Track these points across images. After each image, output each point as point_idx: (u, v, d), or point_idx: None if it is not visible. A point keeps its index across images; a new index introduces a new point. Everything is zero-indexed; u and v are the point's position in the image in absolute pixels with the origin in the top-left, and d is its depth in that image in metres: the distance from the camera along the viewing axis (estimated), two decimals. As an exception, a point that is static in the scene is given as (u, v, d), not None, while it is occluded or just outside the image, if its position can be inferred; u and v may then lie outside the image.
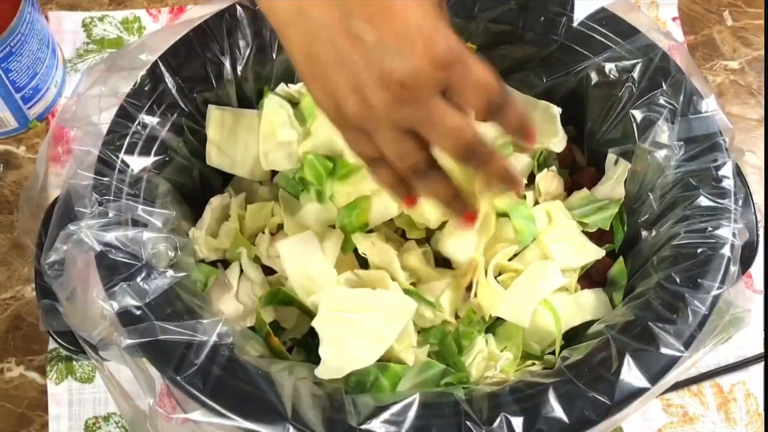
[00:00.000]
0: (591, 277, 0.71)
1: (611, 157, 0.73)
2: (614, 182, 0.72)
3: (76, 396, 0.76)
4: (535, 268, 0.68)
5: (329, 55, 0.53)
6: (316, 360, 0.63)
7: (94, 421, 0.75)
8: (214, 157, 0.71)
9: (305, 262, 0.66)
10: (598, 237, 0.71)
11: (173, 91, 0.68)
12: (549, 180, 0.74)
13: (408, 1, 0.51)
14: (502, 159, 0.57)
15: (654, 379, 0.58)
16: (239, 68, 0.71)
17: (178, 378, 0.57)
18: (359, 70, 0.52)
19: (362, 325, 0.63)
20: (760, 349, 0.79)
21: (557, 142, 0.74)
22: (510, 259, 0.70)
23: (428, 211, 0.67)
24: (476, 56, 0.54)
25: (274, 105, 0.71)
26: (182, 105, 0.68)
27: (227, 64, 0.70)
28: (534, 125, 0.58)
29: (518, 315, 0.66)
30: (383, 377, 0.63)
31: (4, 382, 0.76)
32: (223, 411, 0.56)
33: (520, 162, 0.73)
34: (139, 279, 0.60)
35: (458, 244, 0.68)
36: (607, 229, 0.71)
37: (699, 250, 0.63)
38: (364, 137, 0.56)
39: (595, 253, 0.70)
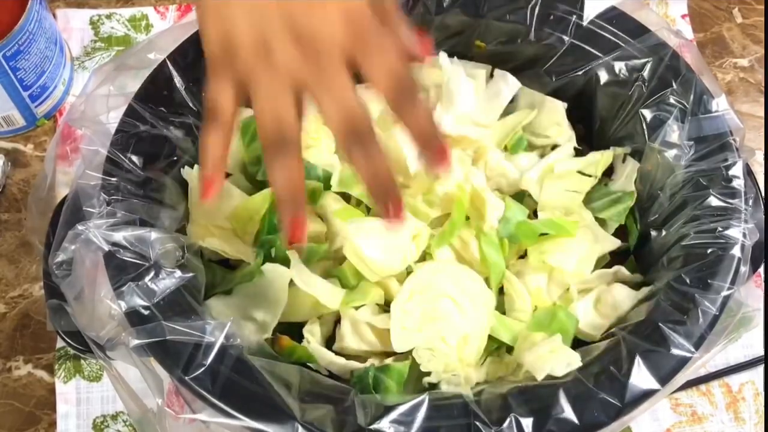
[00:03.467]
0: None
1: (619, 152, 0.73)
2: (624, 181, 0.72)
3: (84, 394, 0.76)
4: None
5: None
6: None
7: (102, 420, 0.75)
8: None
9: None
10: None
11: (181, 90, 0.68)
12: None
13: None
14: (382, 154, 0.53)
15: (664, 380, 0.58)
16: (248, 67, 0.70)
17: (186, 378, 0.57)
18: (271, 17, 0.51)
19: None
20: (767, 349, 0.79)
21: (564, 137, 0.73)
22: (522, 257, 0.70)
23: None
24: (399, 39, 0.54)
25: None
26: (190, 104, 0.68)
27: (235, 63, 0.70)
28: (441, 133, 0.54)
29: None
30: (387, 378, 0.63)
31: (12, 380, 0.76)
32: (231, 411, 0.56)
33: (530, 160, 0.73)
34: (147, 279, 0.60)
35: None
36: (623, 223, 0.71)
37: (709, 251, 0.63)
38: (231, 84, 0.54)
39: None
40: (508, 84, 0.73)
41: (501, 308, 0.68)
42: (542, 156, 0.73)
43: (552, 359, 0.61)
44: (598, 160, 0.72)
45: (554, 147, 0.74)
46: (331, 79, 0.52)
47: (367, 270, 0.65)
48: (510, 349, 0.66)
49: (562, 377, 0.59)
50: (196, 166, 0.69)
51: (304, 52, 0.51)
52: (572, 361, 0.60)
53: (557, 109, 0.74)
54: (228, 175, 0.71)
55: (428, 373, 0.64)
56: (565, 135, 0.74)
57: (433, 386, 0.64)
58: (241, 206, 0.68)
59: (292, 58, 0.51)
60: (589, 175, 0.71)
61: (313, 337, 0.66)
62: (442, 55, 0.73)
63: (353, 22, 0.51)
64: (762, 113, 0.91)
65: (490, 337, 0.66)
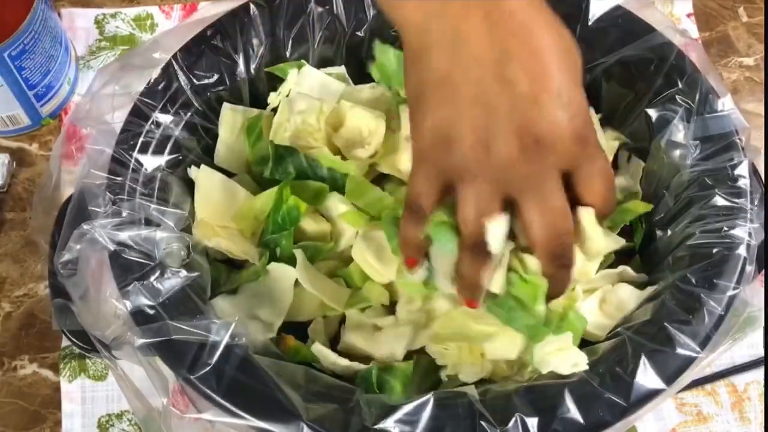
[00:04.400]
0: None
1: (623, 153, 0.72)
2: (629, 180, 0.71)
3: (89, 393, 0.76)
4: None
5: (469, 89, 0.51)
6: None
7: (107, 419, 0.75)
8: (221, 157, 0.71)
9: None
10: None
11: (187, 89, 0.68)
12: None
13: (567, 70, 0.51)
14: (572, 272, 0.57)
15: (670, 380, 0.58)
16: (252, 67, 0.71)
17: (191, 378, 0.57)
18: (498, 113, 0.50)
19: None
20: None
21: None
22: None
23: None
24: (607, 163, 0.55)
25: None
26: (195, 104, 0.68)
27: (241, 62, 0.70)
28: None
29: None
30: (391, 378, 0.63)
31: (17, 379, 0.76)
32: (236, 410, 0.56)
33: None
34: (152, 278, 0.60)
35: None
36: (627, 223, 0.71)
37: (714, 250, 0.62)
38: (437, 182, 0.54)
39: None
40: None
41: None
42: None
43: (559, 357, 0.61)
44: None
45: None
46: (546, 188, 0.52)
47: (375, 273, 0.65)
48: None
49: (567, 377, 0.59)
50: (203, 165, 0.69)
51: (527, 155, 0.51)
52: (579, 362, 0.60)
53: None
54: (232, 174, 0.71)
55: (444, 366, 0.64)
56: None
57: (438, 385, 0.64)
58: (245, 206, 0.68)
59: (513, 157, 0.51)
60: None
61: (317, 336, 0.66)
62: None
63: (581, 138, 0.51)
64: (768, 112, 0.90)
65: None
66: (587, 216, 0.56)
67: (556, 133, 0.50)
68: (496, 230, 0.55)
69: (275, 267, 0.66)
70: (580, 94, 0.52)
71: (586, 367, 0.59)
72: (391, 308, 0.67)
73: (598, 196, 0.54)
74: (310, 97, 0.70)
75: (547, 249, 0.54)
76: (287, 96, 0.71)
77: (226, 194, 0.69)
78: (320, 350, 0.64)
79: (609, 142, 0.72)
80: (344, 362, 0.64)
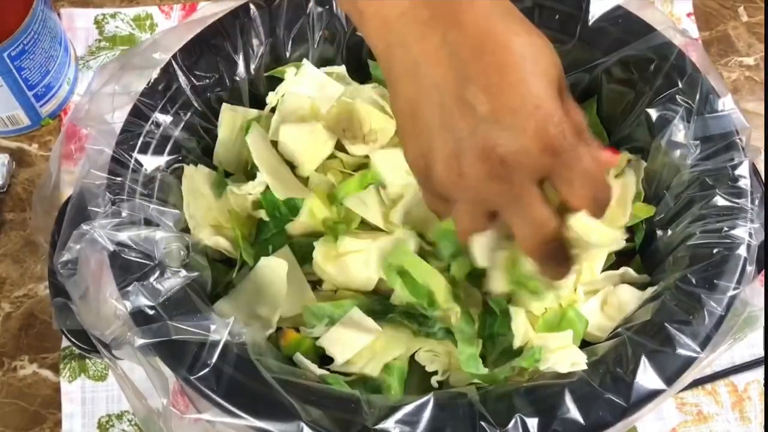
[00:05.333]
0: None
1: (629, 158, 0.72)
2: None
3: (89, 394, 0.76)
4: None
5: (434, 117, 0.50)
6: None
7: (107, 419, 0.75)
8: (221, 157, 0.71)
9: None
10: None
11: (186, 90, 0.68)
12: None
13: (531, 75, 0.49)
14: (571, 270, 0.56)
15: (670, 381, 0.57)
16: (252, 67, 0.70)
17: (191, 378, 0.57)
18: (462, 138, 0.49)
19: None
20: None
21: None
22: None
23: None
24: (592, 142, 0.52)
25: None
26: (195, 104, 0.68)
27: (240, 63, 0.70)
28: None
29: None
30: (387, 376, 0.63)
31: (17, 380, 0.76)
32: (236, 411, 0.56)
33: None
34: (152, 278, 0.60)
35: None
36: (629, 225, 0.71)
37: (715, 251, 0.62)
38: (442, 201, 0.54)
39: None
40: None
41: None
42: None
43: (558, 354, 0.61)
44: None
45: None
46: (521, 199, 0.51)
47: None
48: (517, 353, 0.66)
49: (567, 377, 0.59)
50: (190, 164, 0.69)
51: (495, 176, 0.50)
52: (578, 360, 0.60)
53: None
54: (229, 174, 0.71)
55: (435, 373, 0.64)
56: None
57: (439, 386, 0.64)
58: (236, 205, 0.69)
59: (482, 180, 0.50)
60: None
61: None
62: None
63: (551, 147, 0.49)
64: (768, 112, 0.90)
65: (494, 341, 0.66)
66: (576, 221, 0.55)
67: (521, 150, 0.49)
68: (477, 246, 0.59)
69: (265, 261, 0.66)
70: (550, 99, 0.49)
71: (585, 366, 0.59)
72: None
73: (582, 198, 0.52)
74: (302, 96, 0.70)
75: (536, 255, 0.54)
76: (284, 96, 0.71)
77: (212, 191, 0.69)
78: (301, 361, 0.64)
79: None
80: (324, 372, 0.64)
